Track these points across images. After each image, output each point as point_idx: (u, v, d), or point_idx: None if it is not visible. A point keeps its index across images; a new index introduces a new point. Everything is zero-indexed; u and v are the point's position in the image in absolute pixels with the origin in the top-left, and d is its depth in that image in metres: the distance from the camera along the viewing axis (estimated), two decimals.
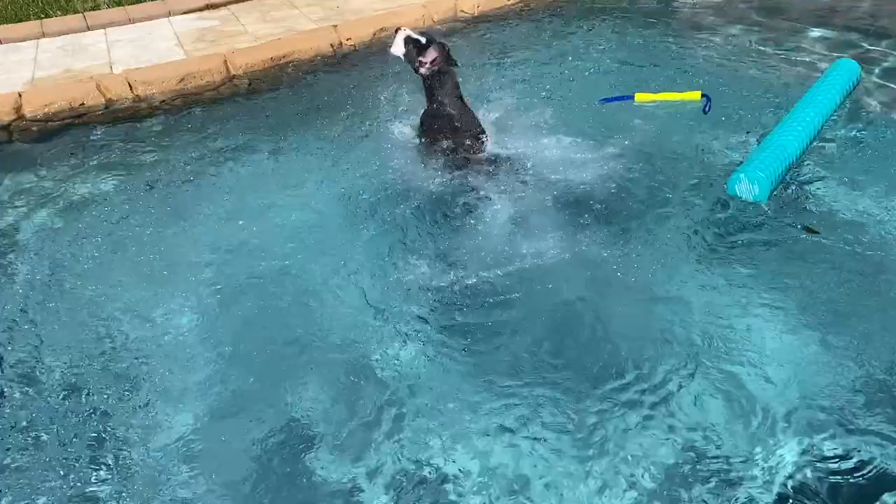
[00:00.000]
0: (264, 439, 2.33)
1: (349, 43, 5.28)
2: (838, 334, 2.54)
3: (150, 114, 4.50)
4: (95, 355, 2.68)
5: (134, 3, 6.16)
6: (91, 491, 2.20)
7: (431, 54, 3.50)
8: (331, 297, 2.88)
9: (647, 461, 2.16)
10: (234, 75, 4.88)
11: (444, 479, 2.17)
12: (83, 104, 4.52)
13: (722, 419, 2.27)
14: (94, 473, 2.25)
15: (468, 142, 3.55)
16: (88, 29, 5.70)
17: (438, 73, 3.52)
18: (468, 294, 2.83)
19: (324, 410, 2.41)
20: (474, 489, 2.13)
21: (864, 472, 2.10)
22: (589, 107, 4.15)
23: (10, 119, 4.38)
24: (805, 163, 3.46)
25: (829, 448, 2.17)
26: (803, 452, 2.16)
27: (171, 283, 3.00)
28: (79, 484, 2.22)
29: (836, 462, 2.13)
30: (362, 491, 2.15)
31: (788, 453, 2.16)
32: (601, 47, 4.97)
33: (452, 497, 2.12)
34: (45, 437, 2.38)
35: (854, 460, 2.13)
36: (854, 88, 3.97)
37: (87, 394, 2.52)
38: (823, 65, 4.34)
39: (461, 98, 3.60)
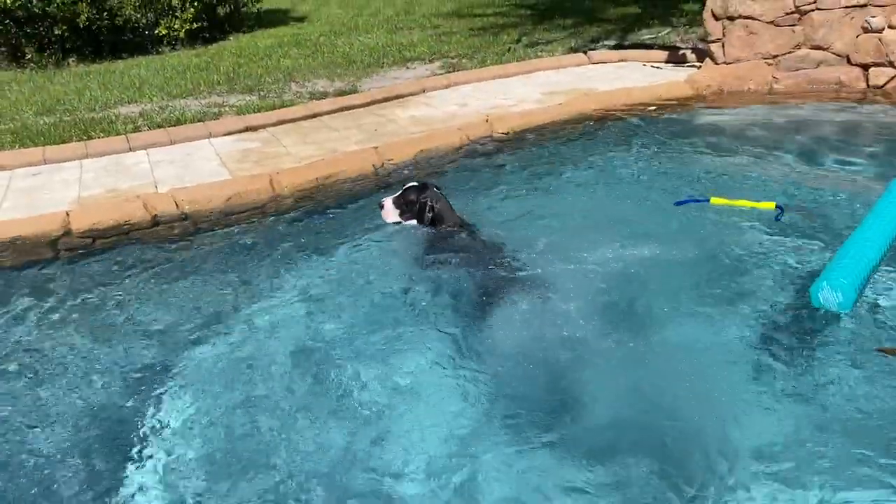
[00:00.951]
0: None
1: (391, 163, 5.34)
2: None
3: (197, 232, 4.48)
4: None
5: (174, 125, 6.29)
6: None
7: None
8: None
9: None
10: (279, 195, 4.90)
11: None
12: (130, 223, 4.49)
13: None
14: None
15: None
16: (130, 150, 5.78)
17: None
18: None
19: None
20: None
21: None
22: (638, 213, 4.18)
23: (58, 236, 4.34)
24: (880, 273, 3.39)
25: None
26: None
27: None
28: None
29: None
30: None
31: None
32: (637, 164, 5.05)
33: None
34: None
35: None
36: None
37: None
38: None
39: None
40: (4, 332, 3.51)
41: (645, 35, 9.01)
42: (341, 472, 2.52)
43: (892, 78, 6.06)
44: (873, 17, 6.01)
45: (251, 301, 3.68)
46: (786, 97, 6.16)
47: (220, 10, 11.27)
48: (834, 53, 6.20)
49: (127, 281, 3.95)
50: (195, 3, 10.55)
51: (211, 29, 11.09)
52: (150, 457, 2.66)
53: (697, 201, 4.23)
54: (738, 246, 3.74)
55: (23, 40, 9.83)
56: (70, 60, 9.90)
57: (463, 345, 3.14)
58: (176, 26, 10.54)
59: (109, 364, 3.22)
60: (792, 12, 6.18)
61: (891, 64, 6.01)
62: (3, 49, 10.14)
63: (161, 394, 3.00)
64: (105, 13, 9.90)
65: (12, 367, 3.25)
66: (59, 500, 2.50)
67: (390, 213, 4.16)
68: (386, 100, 6.93)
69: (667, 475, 2.38)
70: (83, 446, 2.74)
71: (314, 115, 6.55)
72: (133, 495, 2.49)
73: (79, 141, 5.99)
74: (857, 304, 3.11)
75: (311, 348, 3.24)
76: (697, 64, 7.16)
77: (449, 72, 7.86)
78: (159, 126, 6.30)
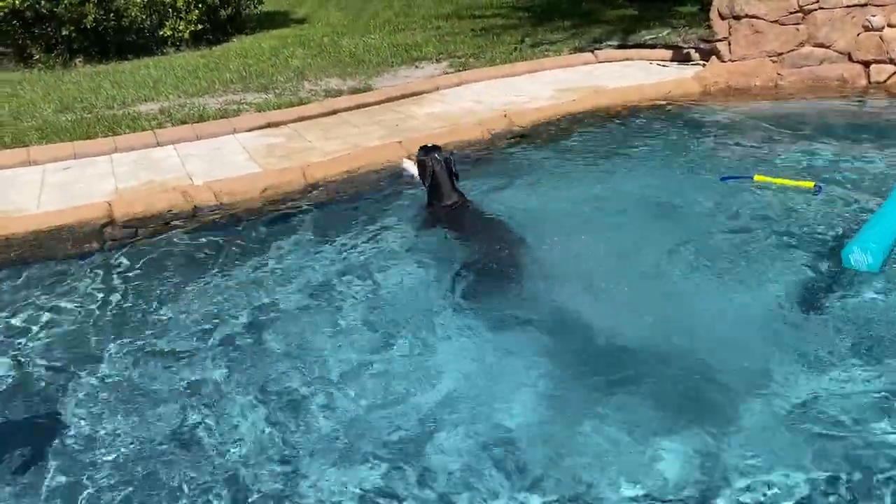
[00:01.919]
0: None
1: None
2: None
3: (237, 222, 4.61)
4: None
5: (197, 122, 6.42)
6: None
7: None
8: None
9: None
10: (311, 185, 5.04)
11: None
12: (171, 212, 4.62)
13: None
14: None
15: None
16: (158, 145, 5.90)
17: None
18: None
19: None
20: None
21: None
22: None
23: (102, 225, 4.45)
24: None
25: None
26: None
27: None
28: None
29: None
30: None
31: None
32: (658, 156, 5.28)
33: None
34: None
35: None
36: None
37: None
38: None
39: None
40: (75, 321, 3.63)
41: (646, 36, 9.23)
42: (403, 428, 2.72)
43: (893, 74, 6.31)
44: (874, 16, 6.27)
45: (293, 286, 3.85)
46: (791, 93, 6.40)
47: (223, 13, 11.36)
48: (836, 51, 6.45)
49: (174, 268, 4.08)
50: (199, 5, 10.65)
51: (214, 31, 11.17)
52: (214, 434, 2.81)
53: (742, 178, 4.55)
54: (777, 216, 4.10)
55: (29, 41, 9.87)
56: (77, 61, 9.95)
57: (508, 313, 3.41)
58: (180, 28, 10.63)
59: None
60: (796, 11, 6.42)
61: (891, 61, 6.27)
62: (10, 50, 10.17)
63: (211, 377, 3.15)
64: (111, 14, 9.96)
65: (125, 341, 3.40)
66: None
67: (409, 165, 4.71)
68: (402, 97, 7.08)
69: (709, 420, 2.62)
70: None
71: (333, 112, 6.70)
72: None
73: (104, 137, 6.09)
74: (885, 266, 3.44)
75: (361, 325, 3.44)
76: (701, 62, 7.38)
77: (459, 70, 8.03)
78: (183, 122, 6.42)
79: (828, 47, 6.46)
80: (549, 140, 5.78)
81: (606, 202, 4.47)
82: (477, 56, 8.75)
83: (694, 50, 7.84)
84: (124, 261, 4.17)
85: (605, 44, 8.99)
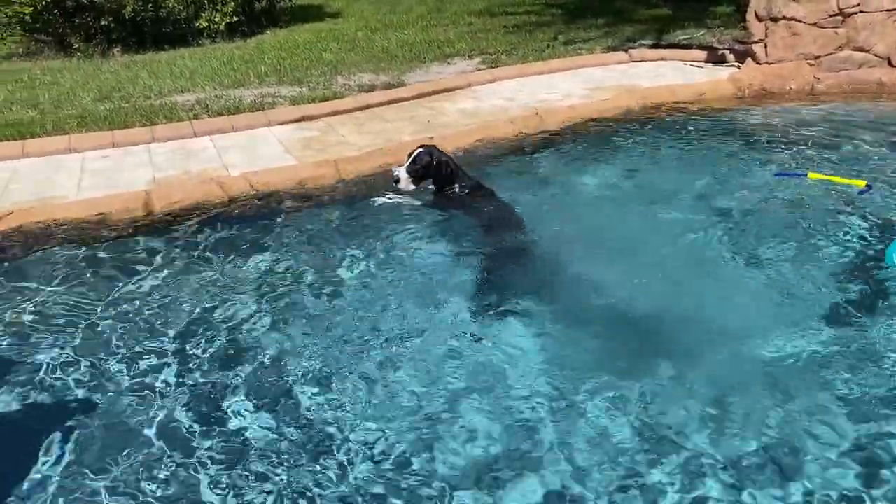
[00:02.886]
0: None
1: (449, 152, 5.53)
2: None
3: (274, 213, 4.68)
4: None
5: (233, 114, 6.51)
6: None
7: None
8: None
9: None
10: (344, 179, 5.10)
11: None
12: (209, 202, 4.70)
13: None
14: None
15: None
16: (195, 135, 6.00)
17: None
18: None
19: None
20: None
21: None
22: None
23: (142, 214, 4.55)
24: None
25: None
26: None
27: None
28: None
29: None
30: None
31: None
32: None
33: None
34: None
35: None
36: None
37: None
38: None
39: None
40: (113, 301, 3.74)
41: (680, 36, 9.17)
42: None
43: None
44: None
45: (334, 273, 3.96)
46: (828, 97, 6.34)
47: (258, 5, 11.48)
48: (875, 55, 6.38)
49: (213, 255, 4.16)
50: None
51: (249, 23, 11.30)
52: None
53: (797, 175, 4.60)
54: (826, 213, 4.19)
55: (69, 30, 10.06)
56: (115, 50, 10.13)
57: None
58: (216, 19, 10.76)
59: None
60: (835, 14, 6.36)
61: None
62: (50, 39, 10.36)
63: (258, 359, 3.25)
64: (150, 5, 10.12)
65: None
66: None
67: (406, 181, 4.57)
68: (434, 93, 7.12)
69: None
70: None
71: (366, 107, 6.75)
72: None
73: (142, 126, 6.20)
74: None
75: (404, 311, 3.56)
76: (736, 64, 7.33)
77: (491, 67, 8.05)
78: (219, 114, 6.52)
79: (867, 51, 6.40)
80: (581, 138, 5.79)
81: (659, 197, 4.62)
82: (509, 53, 8.77)
83: (729, 51, 7.78)
84: (165, 245, 4.26)
85: (638, 43, 8.96)
